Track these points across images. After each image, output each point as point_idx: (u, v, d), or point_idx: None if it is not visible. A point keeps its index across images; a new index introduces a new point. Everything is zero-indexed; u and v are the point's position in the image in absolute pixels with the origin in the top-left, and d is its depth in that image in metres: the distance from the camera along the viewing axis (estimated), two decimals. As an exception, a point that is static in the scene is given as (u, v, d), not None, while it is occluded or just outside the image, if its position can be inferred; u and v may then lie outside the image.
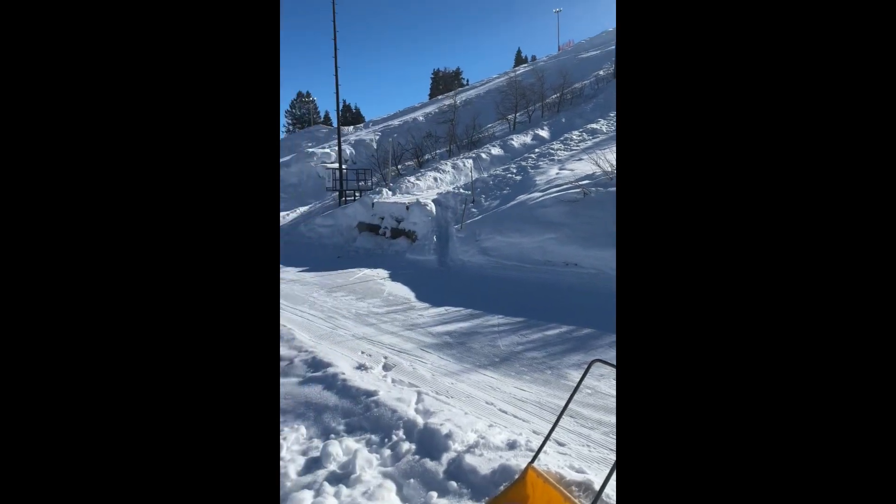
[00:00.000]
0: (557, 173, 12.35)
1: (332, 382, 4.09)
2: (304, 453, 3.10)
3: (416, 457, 2.87)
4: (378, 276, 9.35)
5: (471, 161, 16.31)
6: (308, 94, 47.28)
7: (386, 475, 2.71)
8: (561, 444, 3.25)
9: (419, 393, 3.87)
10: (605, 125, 16.78)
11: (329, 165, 21.17)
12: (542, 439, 2.41)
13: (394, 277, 9.16)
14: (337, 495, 2.42)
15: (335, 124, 30.67)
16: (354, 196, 16.01)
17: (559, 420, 2.33)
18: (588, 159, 12.22)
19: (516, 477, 2.40)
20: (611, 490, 2.39)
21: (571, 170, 12.30)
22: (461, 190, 13.42)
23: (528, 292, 7.50)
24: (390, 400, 3.63)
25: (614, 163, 9.75)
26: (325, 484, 2.60)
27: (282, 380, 4.37)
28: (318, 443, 3.26)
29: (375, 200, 13.29)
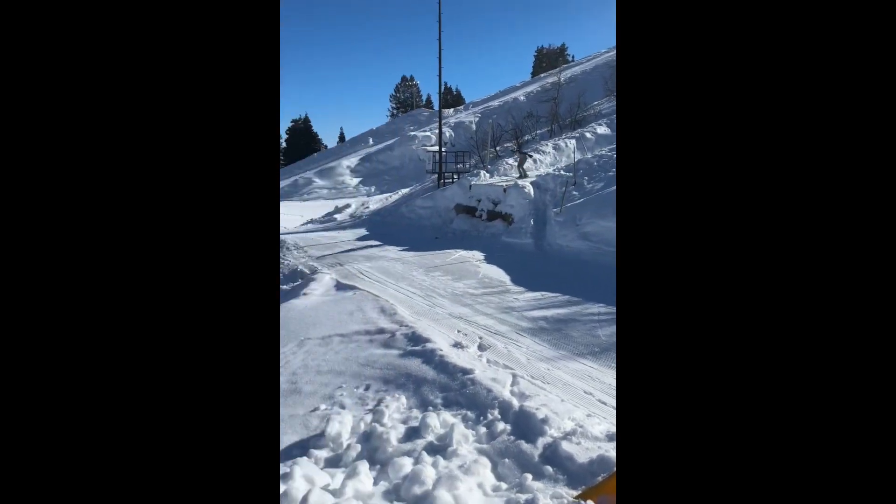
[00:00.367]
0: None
1: (430, 357, 4.25)
2: (404, 422, 3.29)
3: (511, 437, 2.89)
4: (473, 258, 9.44)
5: (573, 141, 15.63)
6: (411, 78, 48.59)
7: (481, 452, 2.77)
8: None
9: (514, 375, 3.88)
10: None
11: (429, 148, 21.68)
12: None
13: (489, 260, 9.19)
14: (434, 465, 2.54)
15: (436, 107, 31.15)
16: (453, 178, 16.24)
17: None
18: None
19: (615, 470, 2.31)
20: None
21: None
22: (562, 172, 12.95)
23: (631, 281, 7.07)
24: (486, 379, 3.69)
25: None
26: (424, 453, 2.73)
27: (384, 351, 4.64)
28: (416, 413, 3.42)
29: (472, 183, 13.35)
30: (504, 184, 12.34)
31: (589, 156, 13.88)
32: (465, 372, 3.85)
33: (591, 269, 7.99)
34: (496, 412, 3.23)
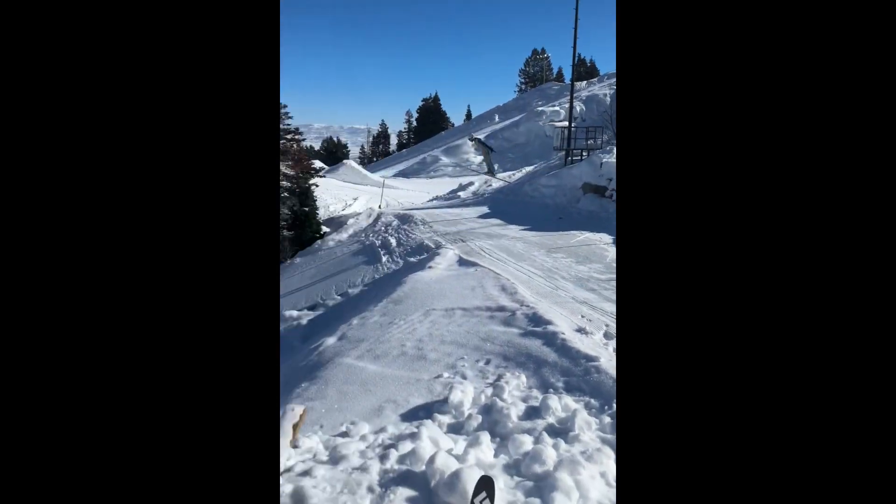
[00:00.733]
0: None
1: (552, 340, 4.18)
2: (524, 400, 3.31)
3: (639, 433, 2.73)
4: (601, 240, 8.96)
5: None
6: (543, 51, 46.86)
7: (604, 441, 2.68)
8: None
9: (644, 368, 3.64)
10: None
11: (557, 124, 20.86)
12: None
13: (619, 243, 8.64)
14: (556, 447, 2.52)
15: (568, 80, 29.70)
16: (581, 156, 15.48)
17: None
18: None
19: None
20: None
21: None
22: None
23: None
24: (612, 369, 3.52)
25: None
26: (545, 434, 2.72)
27: (504, 328, 4.69)
28: (536, 393, 3.42)
29: (604, 160, 12.57)
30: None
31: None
32: (590, 359, 3.72)
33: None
34: (622, 404, 3.08)
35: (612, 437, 2.71)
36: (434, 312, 5.57)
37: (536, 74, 46.06)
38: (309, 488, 2.04)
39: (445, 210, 14.35)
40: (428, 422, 2.94)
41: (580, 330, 4.55)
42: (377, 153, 51.22)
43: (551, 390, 3.44)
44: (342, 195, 19.55)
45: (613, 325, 4.85)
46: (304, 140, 17.69)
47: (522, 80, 47.44)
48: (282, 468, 2.13)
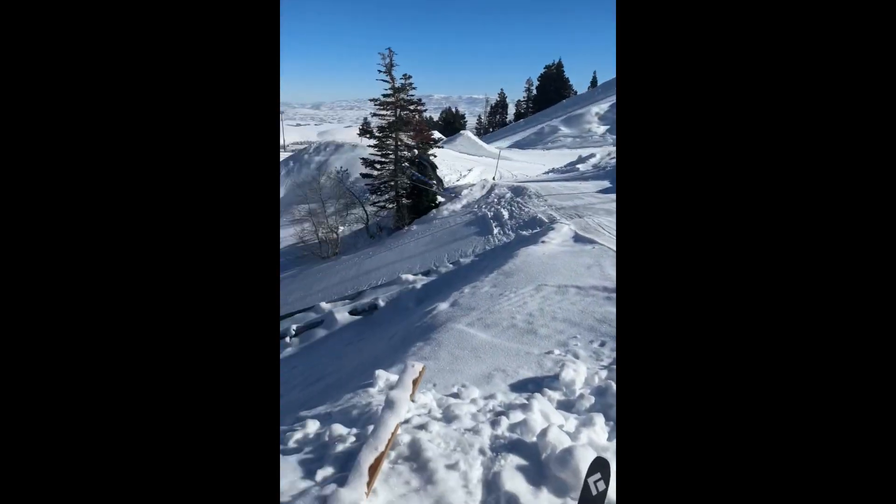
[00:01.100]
0: None
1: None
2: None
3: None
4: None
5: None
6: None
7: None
8: None
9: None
10: None
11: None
12: None
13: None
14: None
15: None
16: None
17: None
18: None
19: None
20: None
21: None
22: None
23: None
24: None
25: None
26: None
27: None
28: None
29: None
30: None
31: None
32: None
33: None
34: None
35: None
36: (546, 288, 5.48)
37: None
38: (425, 441, 2.18)
39: (562, 183, 13.82)
40: (538, 395, 2.94)
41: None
42: (494, 123, 50.76)
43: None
44: (457, 166, 19.85)
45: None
46: (425, 111, 18.18)
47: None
48: (402, 419, 2.29)
